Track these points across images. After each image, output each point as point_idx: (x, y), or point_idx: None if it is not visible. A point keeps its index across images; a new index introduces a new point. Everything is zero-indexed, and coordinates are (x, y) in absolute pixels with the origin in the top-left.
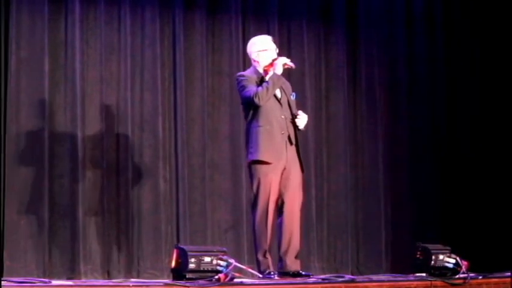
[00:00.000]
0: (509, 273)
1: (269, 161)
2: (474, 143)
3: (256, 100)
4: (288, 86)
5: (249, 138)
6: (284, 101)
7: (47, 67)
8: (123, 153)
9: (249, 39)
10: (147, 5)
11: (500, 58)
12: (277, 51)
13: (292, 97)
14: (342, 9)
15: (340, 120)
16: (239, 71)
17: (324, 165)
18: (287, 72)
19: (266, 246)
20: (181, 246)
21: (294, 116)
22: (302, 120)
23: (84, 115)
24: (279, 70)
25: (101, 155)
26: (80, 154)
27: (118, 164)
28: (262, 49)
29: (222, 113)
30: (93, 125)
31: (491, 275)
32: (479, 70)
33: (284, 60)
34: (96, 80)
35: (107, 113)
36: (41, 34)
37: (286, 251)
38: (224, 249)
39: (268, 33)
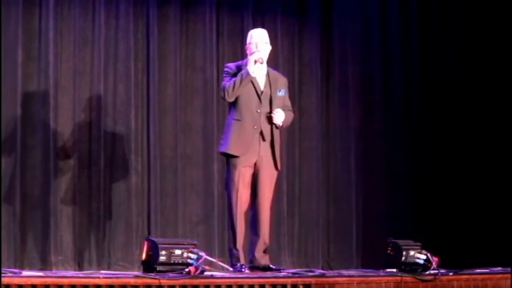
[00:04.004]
0: (479, 270)
1: (236, 154)
2: (448, 139)
3: (222, 94)
4: (279, 82)
5: (224, 129)
6: (265, 96)
7: (20, 58)
8: (95, 144)
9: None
10: None
11: (477, 51)
12: (269, 47)
13: (280, 93)
14: (316, 4)
15: (313, 114)
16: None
17: (295, 160)
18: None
19: (238, 238)
20: (152, 239)
21: (271, 113)
22: (276, 116)
23: (57, 106)
24: (250, 66)
25: (73, 146)
26: (52, 145)
27: (90, 155)
28: (249, 42)
29: (195, 106)
30: (65, 116)
31: (462, 272)
32: (454, 65)
33: (255, 56)
34: (70, 71)
35: (80, 105)
36: (15, 25)
37: (256, 245)
38: (195, 242)
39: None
